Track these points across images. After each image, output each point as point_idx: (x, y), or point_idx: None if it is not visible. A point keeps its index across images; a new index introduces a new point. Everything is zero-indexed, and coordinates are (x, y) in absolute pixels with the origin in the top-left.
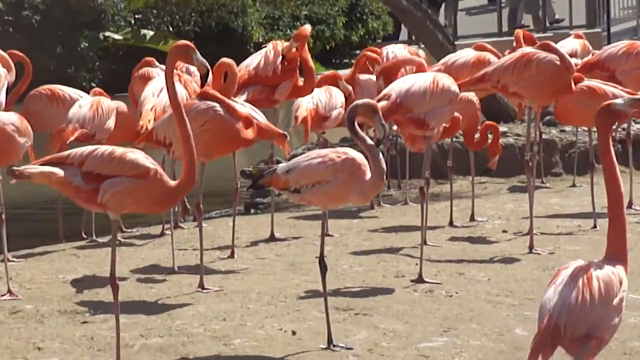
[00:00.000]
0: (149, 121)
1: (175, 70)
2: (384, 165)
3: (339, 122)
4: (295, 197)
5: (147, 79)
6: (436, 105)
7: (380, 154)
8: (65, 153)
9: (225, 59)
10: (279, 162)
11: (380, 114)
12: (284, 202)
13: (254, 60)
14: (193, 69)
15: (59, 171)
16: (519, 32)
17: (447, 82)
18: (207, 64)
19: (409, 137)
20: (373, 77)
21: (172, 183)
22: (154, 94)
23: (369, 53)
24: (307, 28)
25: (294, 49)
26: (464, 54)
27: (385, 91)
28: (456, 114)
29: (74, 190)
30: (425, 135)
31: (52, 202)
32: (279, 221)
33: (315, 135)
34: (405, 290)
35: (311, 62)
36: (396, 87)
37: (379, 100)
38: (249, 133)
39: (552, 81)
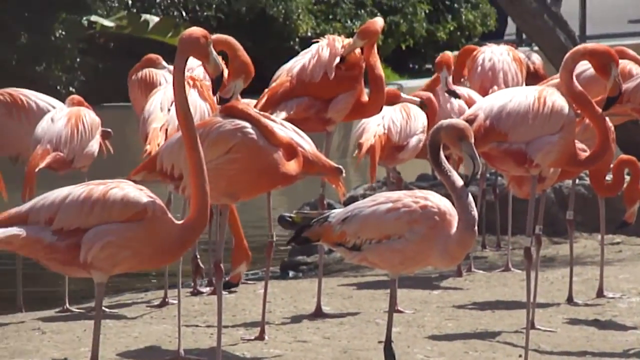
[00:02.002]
0: (158, 145)
1: (187, 72)
2: (476, 214)
3: (417, 153)
4: (354, 257)
5: (149, 85)
6: (542, 133)
7: (471, 199)
8: (24, 208)
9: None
10: (331, 206)
11: (472, 140)
12: (336, 262)
13: (299, 62)
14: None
15: (20, 231)
16: None
17: (560, 100)
18: (222, 65)
19: (513, 177)
20: (465, 90)
21: (178, 222)
22: (162, 108)
23: (447, 55)
24: (378, 21)
25: (357, 50)
26: None
27: (471, 110)
28: (581, 145)
29: (45, 250)
30: (531, 175)
31: (8, 257)
32: (328, 289)
33: (384, 171)
34: None
35: (381, 69)
36: (486, 105)
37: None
38: (292, 166)
39: None
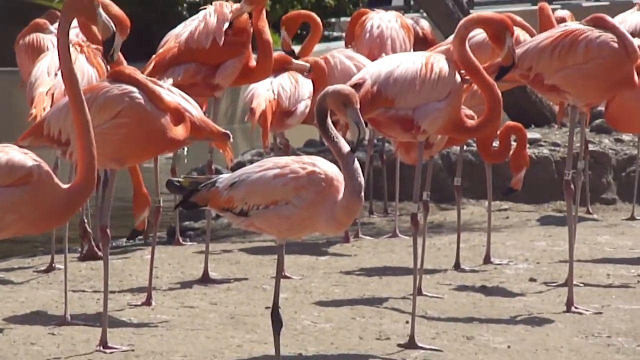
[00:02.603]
0: (44, 109)
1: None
2: (362, 181)
3: (305, 118)
4: (241, 222)
5: (37, 49)
6: (429, 99)
7: (358, 165)
8: None
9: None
10: (219, 172)
11: (357, 106)
12: (224, 228)
13: (187, 28)
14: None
15: None
16: (545, 5)
17: (447, 66)
18: (112, 25)
19: (401, 144)
20: (348, 58)
21: (64, 186)
22: (49, 72)
23: (288, 15)
24: None
25: (245, 15)
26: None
27: (358, 75)
28: (469, 111)
29: None
30: (417, 142)
31: None
32: (216, 255)
33: (271, 136)
34: (390, 359)
35: (269, 34)
36: (373, 70)
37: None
38: (179, 131)
39: (607, 71)
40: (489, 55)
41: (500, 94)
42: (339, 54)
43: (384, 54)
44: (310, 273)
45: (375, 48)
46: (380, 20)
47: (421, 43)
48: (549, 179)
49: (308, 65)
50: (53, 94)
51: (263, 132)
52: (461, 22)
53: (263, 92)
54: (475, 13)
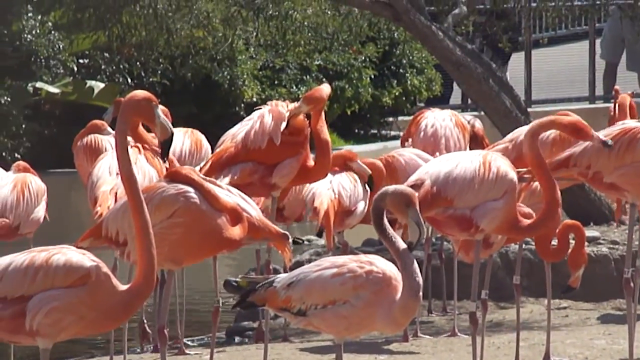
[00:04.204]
0: (109, 208)
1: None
2: (420, 280)
3: (362, 218)
4: (299, 321)
5: (95, 150)
6: (487, 198)
7: (416, 264)
8: None
9: None
10: (277, 271)
11: (417, 207)
12: (282, 327)
13: (243, 128)
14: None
15: None
16: (625, 98)
17: (504, 165)
18: (171, 127)
19: (461, 243)
20: (416, 156)
21: (123, 287)
22: (110, 172)
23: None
24: (325, 88)
25: (303, 115)
26: None
27: (415, 175)
28: (527, 209)
29: None
30: (476, 240)
31: None
32: (275, 354)
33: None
34: None
35: (327, 134)
36: (432, 171)
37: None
38: (236, 231)
39: None
40: (547, 154)
41: (559, 195)
42: (405, 151)
43: (437, 153)
44: None
45: (429, 147)
46: (434, 119)
47: (472, 141)
48: (608, 277)
49: (369, 171)
50: (116, 193)
51: (327, 232)
52: (538, 120)
53: (324, 192)
54: (550, 116)
